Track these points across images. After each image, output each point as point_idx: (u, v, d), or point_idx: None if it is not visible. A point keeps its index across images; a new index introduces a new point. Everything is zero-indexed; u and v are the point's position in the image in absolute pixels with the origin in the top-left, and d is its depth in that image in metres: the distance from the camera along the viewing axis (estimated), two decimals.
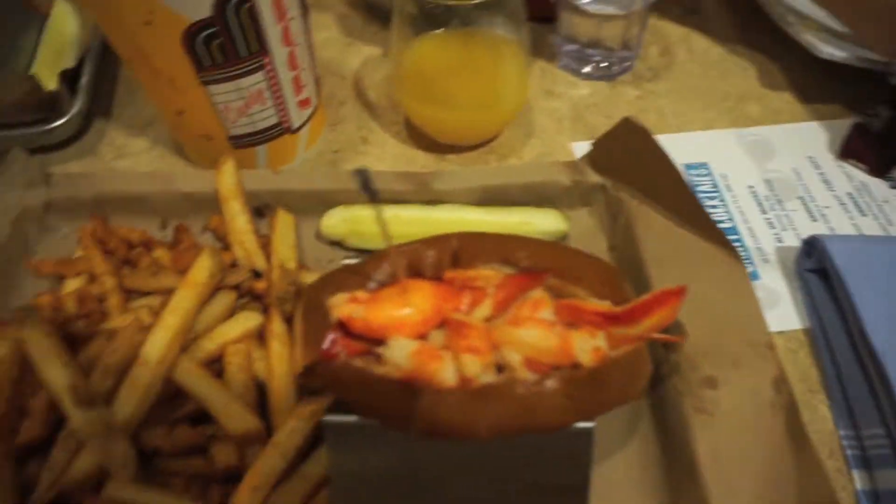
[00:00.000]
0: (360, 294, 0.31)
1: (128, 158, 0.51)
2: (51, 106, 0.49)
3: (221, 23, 0.38)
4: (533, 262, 0.32)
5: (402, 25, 0.46)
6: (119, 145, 0.52)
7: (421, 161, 0.50)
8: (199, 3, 0.37)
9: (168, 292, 0.38)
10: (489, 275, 0.31)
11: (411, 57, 0.47)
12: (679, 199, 0.40)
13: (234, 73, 0.41)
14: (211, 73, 0.40)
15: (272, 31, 0.41)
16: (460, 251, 0.32)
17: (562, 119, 0.53)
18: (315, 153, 0.51)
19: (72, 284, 0.41)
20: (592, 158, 0.44)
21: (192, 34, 0.38)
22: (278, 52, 0.42)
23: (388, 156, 0.51)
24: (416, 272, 0.32)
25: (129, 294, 0.40)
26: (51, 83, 0.53)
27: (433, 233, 0.42)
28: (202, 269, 0.36)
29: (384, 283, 0.32)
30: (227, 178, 0.43)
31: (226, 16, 0.38)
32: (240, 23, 0.39)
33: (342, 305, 0.30)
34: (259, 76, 0.42)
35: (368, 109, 0.54)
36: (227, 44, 0.39)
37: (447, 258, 0.32)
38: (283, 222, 0.44)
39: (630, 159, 0.42)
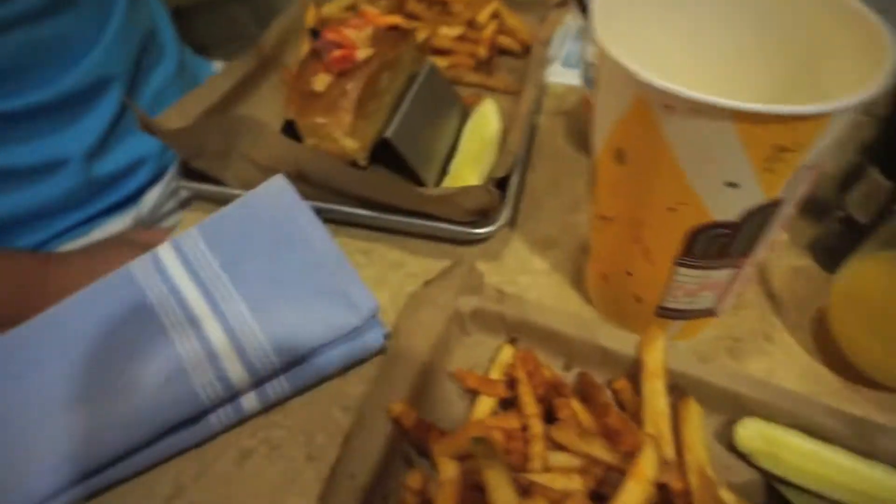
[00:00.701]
0: None
1: (528, 275, 0.53)
2: (486, 212, 0.53)
3: (738, 227, 0.38)
4: None
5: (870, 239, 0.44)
6: (522, 259, 0.55)
7: (830, 384, 0.47)
8: (732, 209, 0.37)
9: (590, 459, 0.39)
10: None
11: (860, 272, 0.45)
12: None
13: (712, 265, 0.41)
14: (691, 260, 0.41)
15: (769, 237, 0.40)
16: None
17: None
18: (715, 335, 0.49)
19: (485, 404, 0.43)
20: None
21: (703, 229, 0.38)
22: (757, 253, 0.41)
23: (792, 365, 0.48)
24: None
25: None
26: (470, 179, 0.57)
27: (861, 489, 0.39)
28: (650, 463, 0.36)
29: None
30: (655, 353, 0.43)
31: (747, 223, 0.37)
32: (752, 230, 0.38)
33: None
34: (730, 272, 0.42)
35: (772, 301, 0.52)
36: (727, 244, 0.39)
37: None
38: (694, 414, 0.42)
39: None
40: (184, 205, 0.76)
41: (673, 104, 0.32)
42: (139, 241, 0.66)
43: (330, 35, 0.52)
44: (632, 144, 0.37)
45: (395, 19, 0.57)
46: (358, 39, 0.53)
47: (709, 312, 0.46)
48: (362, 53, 0.53)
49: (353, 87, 0.52)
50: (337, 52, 0.52)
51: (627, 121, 0.36)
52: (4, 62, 0.57)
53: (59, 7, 0.60)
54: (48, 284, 0.60)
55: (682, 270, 0.42)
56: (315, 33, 0.51)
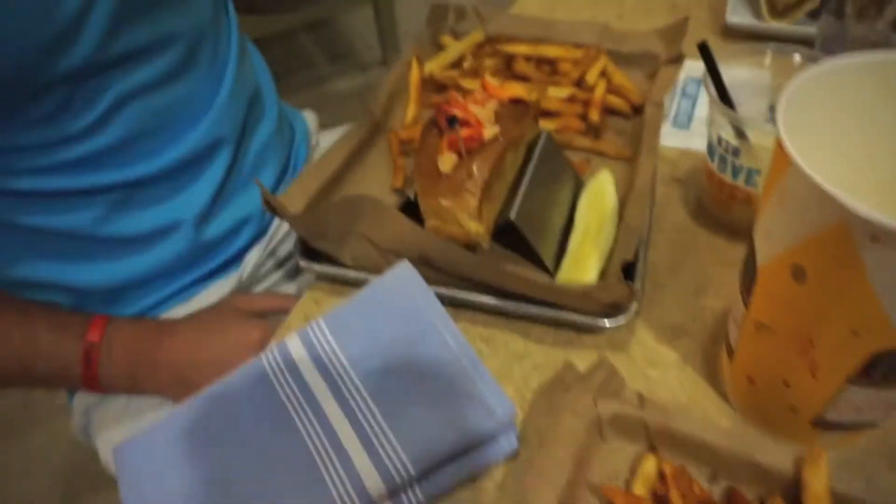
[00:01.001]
0: None
1: (658, 369, 0.51)
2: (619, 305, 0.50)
3: None
4: None
5: None
6: (649, 349, 0.52)
7: None
8: None
9: None
10: None
11: None
12: None
13: (891, 387, 0.38)
14: (867, 381, 0.37)
15: None
16: None
17: None
18: (870, 442, 0.46)
19: None
20: None
21: (889, 354, 0.35)
22: None
23: None
24: None
25: None
26: (592, 258, 0.54)
27: None
28: None
29: None
30: (820, 474, 0.40)
31: None
32: None
33: None
34: None
35: None
36: None
37: None
38: None
39: None
40: (281, 264, 0.76)
41: (882, 237, 0.30)
42: (243, 307, 0.65)
43: (457, 111, 0.51)
44: (818, 266, 0.34)
45: (518, 91, 0.55)
46: (483, 116, 0.52)
47: (871, 425, 0.43)
48: (489, 132, 0.51)
49: (479, 169, 0.50)
50: (464, 132, 0.50)
51: (817, 242, 0.33)
52: (126, 132, 0.57)
53: (179, 74, 0.60)
54: (157, 355, 0.60)
55: (855, 389, 0.38)
56: (452, 121, 0.49)
